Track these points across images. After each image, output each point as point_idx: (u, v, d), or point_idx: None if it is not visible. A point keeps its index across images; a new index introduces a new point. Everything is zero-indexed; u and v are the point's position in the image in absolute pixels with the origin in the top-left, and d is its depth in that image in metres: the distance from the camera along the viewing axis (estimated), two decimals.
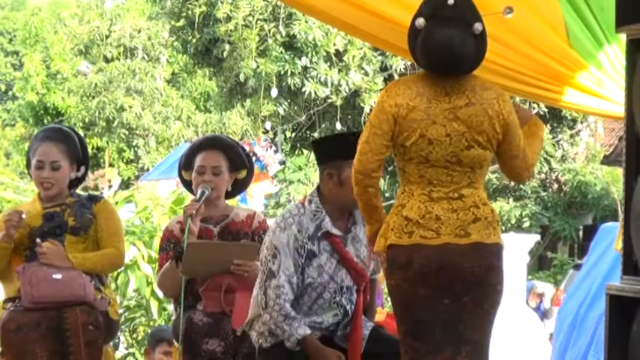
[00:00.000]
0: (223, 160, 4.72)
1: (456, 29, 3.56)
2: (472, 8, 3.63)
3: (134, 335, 7.53)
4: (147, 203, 7.77)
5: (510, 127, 3.67)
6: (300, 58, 17.94)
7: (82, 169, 4.76)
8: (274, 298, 4.13)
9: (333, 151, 4.25)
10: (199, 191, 4.64)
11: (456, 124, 3.59)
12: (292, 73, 17.89)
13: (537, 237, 19.68)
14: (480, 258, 3.62)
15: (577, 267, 12.99)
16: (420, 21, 3.61)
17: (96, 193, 9.59)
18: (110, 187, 21.02)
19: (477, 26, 3.60)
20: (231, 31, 18.11)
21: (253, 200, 14.20)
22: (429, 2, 3.64)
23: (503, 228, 14.97)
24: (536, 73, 4.67)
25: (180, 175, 4.88)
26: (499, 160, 3.74)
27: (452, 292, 3.60)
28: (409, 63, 16.74)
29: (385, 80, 17.71)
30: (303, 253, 4.18)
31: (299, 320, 4.15)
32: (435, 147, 3.59)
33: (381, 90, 17.73)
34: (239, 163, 4.78)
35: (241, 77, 18.34)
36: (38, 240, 4.51)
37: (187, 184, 4.86)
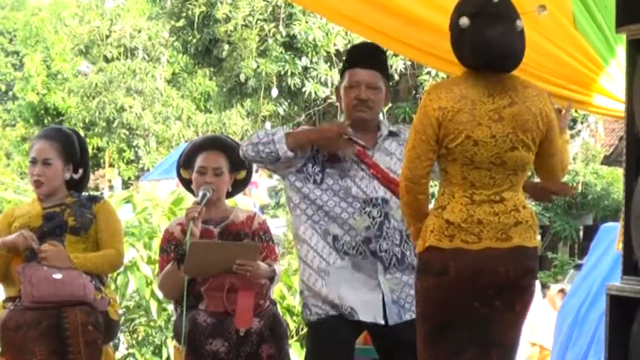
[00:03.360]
0: (224, 161, 4.72)
1: (504, 27, 3.51)
2: (512, 6, 3.59)
3: (134, 335, 7.52)
4: (146, 204, 7.75)
5: (552, 124, 3.65)
6: (300, 59, 17.92)
7: (80, 170, 4.76)
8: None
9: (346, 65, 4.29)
10: (200, 193, 4.63)
11: (501, 124, 3.54)
12: (292, 74, 17.87)
13: (537, 237, 19.67)
14: (517, 261, 3.58)
15: (578, 267, 12.98)
16: (465, 20, 3.53)
17: (96, 193, 9.58)
18: (111, 187, 21.03)
19: (519, 23, 3.56)
20: (231, 31, 18.09)
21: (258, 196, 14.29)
22: (471, 1, 3.58)
23: None
24: (545, 68, 4.66)
25: (178, 173, 4.87)
26: (538, 159, 3.68)
27: (484, 295, 3.56)
28: (409, 63, 16.70)
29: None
30: None
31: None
32: (480, 148, 3.54)
33: None
34: (239, 164, 4.77)
35: (241, 77, 18.32)
36: (36, 246, 4.50)
37: (186, 183, 4.85)
